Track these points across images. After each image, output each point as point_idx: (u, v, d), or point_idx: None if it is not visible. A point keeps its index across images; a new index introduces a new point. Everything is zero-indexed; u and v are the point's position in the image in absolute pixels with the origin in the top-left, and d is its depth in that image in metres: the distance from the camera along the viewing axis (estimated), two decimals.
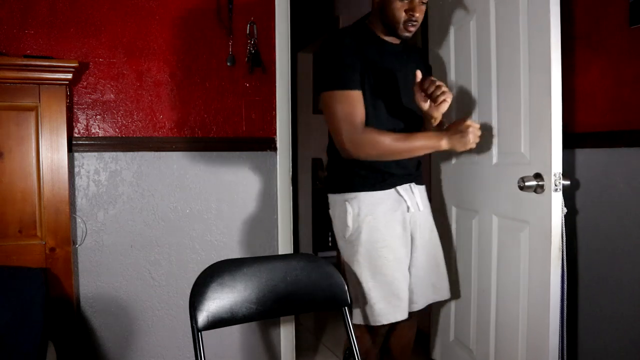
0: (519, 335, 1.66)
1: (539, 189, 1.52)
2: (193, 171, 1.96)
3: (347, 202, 1.57)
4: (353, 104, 1.47)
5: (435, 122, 1.56)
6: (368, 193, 1.56)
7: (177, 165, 1.94)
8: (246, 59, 2.00)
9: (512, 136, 1.68)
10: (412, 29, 1.52)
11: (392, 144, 1.47)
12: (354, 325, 1.54)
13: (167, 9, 1.90)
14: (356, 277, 1.57)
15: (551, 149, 1.47)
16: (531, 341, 1.60)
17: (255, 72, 2.02)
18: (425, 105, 1.49)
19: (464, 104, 1.97)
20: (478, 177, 1.91)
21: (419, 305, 1.67)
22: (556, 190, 1.47)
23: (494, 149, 1.80)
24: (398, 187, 1.60)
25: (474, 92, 1.91)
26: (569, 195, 1.76)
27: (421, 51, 1.72)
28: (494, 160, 1.80)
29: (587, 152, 1.74)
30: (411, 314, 1.67)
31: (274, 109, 2.05)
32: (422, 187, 1.72)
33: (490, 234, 1.82)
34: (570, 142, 1.75)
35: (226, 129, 2.00)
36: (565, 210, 1.51)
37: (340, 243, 1.64)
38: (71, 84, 1.74)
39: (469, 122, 1.47)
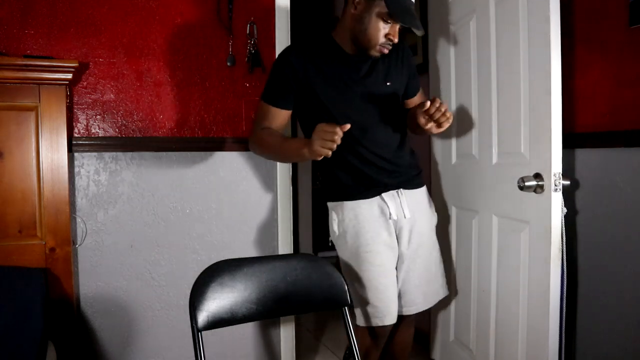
0: (519, 335, 1.66)
1: (538, 189, 1.52)
2: (193, 171, 1.96)
3: (332, 210, 1.65)
4: (267, 115, 1.60)
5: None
6: (351, 202, 1.61)
7: (177, 165, 1.94)
8: (246, 59, 2.00)
9: (512, 136, 1.68)
10: (386, 51, 1.52)
11: (267, 141, 1.56)
12: (355, 325, 1.58)
13: (167, 9, 1.90)
14: (348, 278, 1.60)
15: (551, 149, 1.47)
16: (531, 341, 1.60)
17: (255, 72, 2.02)
18: (427, 125, 1.48)
19: (464, 104, 1.97)
20: (478, 177, 1.91)
21: (412, 309, 1.68)
22: (556, 190, 1.47)
23: (494, 149, 1.80)
24: (383, 194, 1.61)
25: (474, 92, 1.91)
26: (568, 195, 1.76)
27: (403, 51, 1.66)
28: (494, 160, 1.80)
29: (587, 152, 1.74)
30: (406, 317, 1.69)
31: None
32: (416, 191, 1.68)
33: (490, 234, 1.82)
34: (570, 142, 1.75)
35: (226, 129, 2.00)
36: (565, 210, 1.51)
37: (334, 240, 1.71)
38: (71, 84, 1.74)
39: (319, 127, 1.36)
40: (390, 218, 1.60)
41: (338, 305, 1.37)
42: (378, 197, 1.60)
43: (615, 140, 1.63)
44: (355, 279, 1.60)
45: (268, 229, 2.08)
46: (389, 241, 1.60)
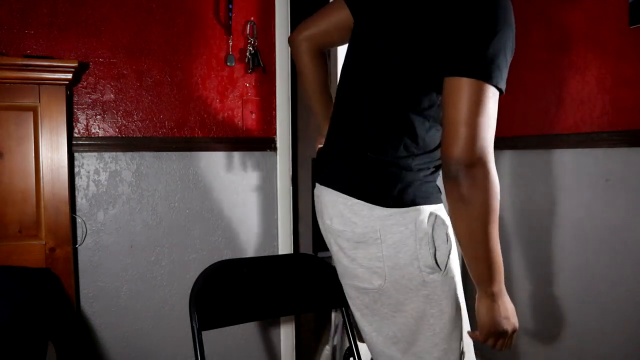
0: None
1: None
2: (193, 171, 1.96)
3: (437, 216, 1.02)
4: (496, 110, 0.92)
5: None
6: (440, 205, 1.07)
7: (177, 165, 1.94)
8: (246, 59, 2.00)
9: None
10: None
11: (494, 214, 0.90)
12: None
13: (167, 8, 1.90)
14: (449, 331, 1.02)
15: None
16: None
17: (255, 72, 2.02)
18: None
19: None
20: None
21: None
22: None
23: None
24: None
25: None
26: (569, 194, 1.76)
27: None
28: None
29: (587, 152, 1.74)
30: None
31: (274, 109, 2.05)
32: None
33: None
34: (572, 141, 1.75)
35: (226, 129, 2.00)
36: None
37: (426, 279, 1.01)
38: (71, 84, 1.74)
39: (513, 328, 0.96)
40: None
41: (338, 305, 1.37)
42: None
43: (614, 140, 1.63)
44: (465, 322, 1.06)
45: (268, 229, 2.08)
46: None
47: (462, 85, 0.89)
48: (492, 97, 0.89)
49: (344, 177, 1.07)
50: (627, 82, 1.59)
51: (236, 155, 2.02)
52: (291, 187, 2.11)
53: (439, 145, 0.99)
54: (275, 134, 2.06)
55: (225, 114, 1.99)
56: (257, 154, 2.04)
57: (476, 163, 0.87)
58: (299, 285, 1.35)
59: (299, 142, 4.38)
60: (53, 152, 1.62)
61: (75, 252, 1.79)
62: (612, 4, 1.62)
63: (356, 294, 1.09)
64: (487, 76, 0.88)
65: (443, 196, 1.02)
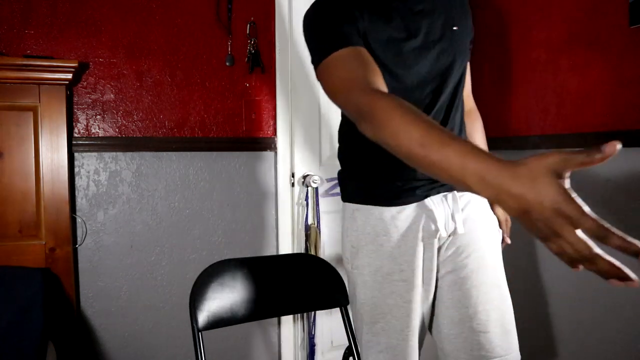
0: None
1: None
2: (193, 171, 1.96)
3: (355, 213, 1.15)
4: (355, 61, 0.94)
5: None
6: (380, 208, 1.11)
7: (177, 165, 1.94)
8: (246, 59, 2.00)
9: None
10: None
11: (410, 134, 0.70)
12: None
13: (167, 9, 1.90)
14: (367, 318, 1.13)
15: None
16: None
17: (255, 72, 2.02)
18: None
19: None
20: None
21: None
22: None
23: None
24: (429, 199, 1.10)
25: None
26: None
27: None
28: None
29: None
30: None
31: (274, 109, 2.05)
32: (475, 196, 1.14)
33: None
34: (572, 142, 1.75)
35: (226, 129, 2.00)
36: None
37: (346, 267, 1.18)
38: (71, 84, 1.74)
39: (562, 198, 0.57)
40: (437, 236, 1.10)
41: (337, 304, 1.37)
42: (421, 202, 1.10)
43: (614, 140, 1.63)
44: (369, 322, 1.11)
45: (268, 229, 2.08)
46: (426, 270, 1.12)
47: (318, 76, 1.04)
48: (328, 71, 0.97)
49: None
50: (627, 82, 1.59)
51: (236, 155, 2.01)
52: (291, 187, 2.11)
53: (355, 150, 1.15)
54: (275, 134, 2.06)
55: (225, 114, 1.99)
56: (257, 154, 2.04)
57: (355, 120, 0.95)
58: (299, 285, 1.36)
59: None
60: (53, 152, 1.62)
61: (75, 252, 1.79)
62: (612, 4, 1.62)
63: None
64: (320, 58, 0.99)
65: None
